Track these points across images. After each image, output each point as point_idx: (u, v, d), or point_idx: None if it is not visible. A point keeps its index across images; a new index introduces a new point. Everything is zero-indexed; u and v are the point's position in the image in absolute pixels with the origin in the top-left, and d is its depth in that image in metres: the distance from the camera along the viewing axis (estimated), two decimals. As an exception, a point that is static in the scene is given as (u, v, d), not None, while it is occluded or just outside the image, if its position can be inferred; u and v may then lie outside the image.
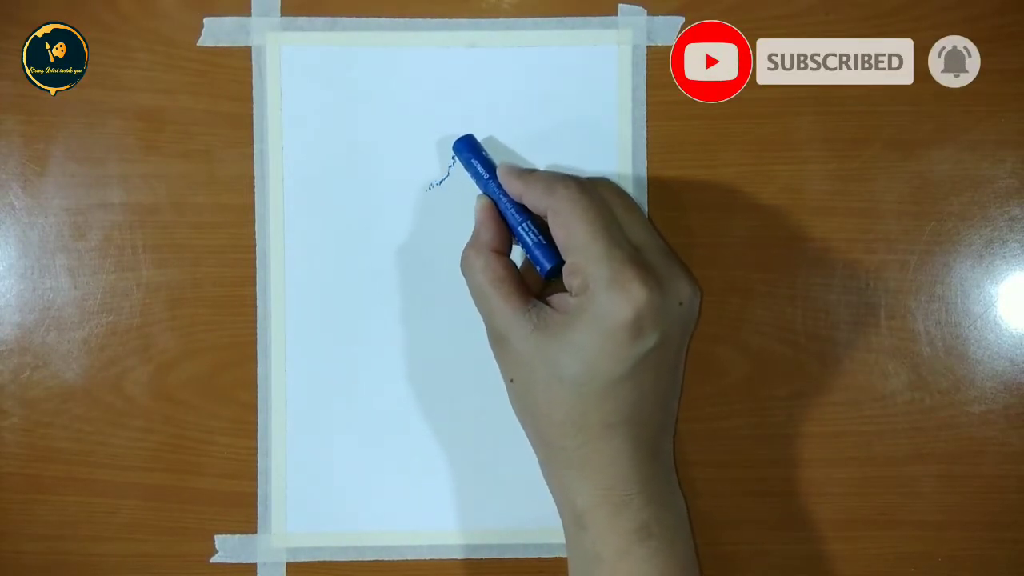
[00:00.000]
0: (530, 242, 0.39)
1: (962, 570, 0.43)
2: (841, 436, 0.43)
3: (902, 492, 0.43)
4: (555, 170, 0.42)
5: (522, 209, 0.39)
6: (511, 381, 0.38)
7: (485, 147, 0.42)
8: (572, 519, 0.37)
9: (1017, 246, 0.43)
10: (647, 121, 0.43)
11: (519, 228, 0.39)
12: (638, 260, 0.36)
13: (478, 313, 0.39)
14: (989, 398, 0.43)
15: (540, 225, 0.39)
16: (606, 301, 0.35)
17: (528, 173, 0.39)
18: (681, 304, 0.37)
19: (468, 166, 0.41)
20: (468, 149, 0.41)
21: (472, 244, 0.39)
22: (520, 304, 0.37)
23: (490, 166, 0.41)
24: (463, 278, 0.39)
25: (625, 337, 0.35)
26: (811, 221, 0.43)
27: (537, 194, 0.38)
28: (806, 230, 0.43)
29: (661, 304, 0.35)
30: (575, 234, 0.36)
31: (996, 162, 0.43)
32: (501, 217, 0.40)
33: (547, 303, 0.38)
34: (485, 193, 0.40)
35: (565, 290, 0.38)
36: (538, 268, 0.39)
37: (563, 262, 0.37)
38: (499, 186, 0.40)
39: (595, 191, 0.38)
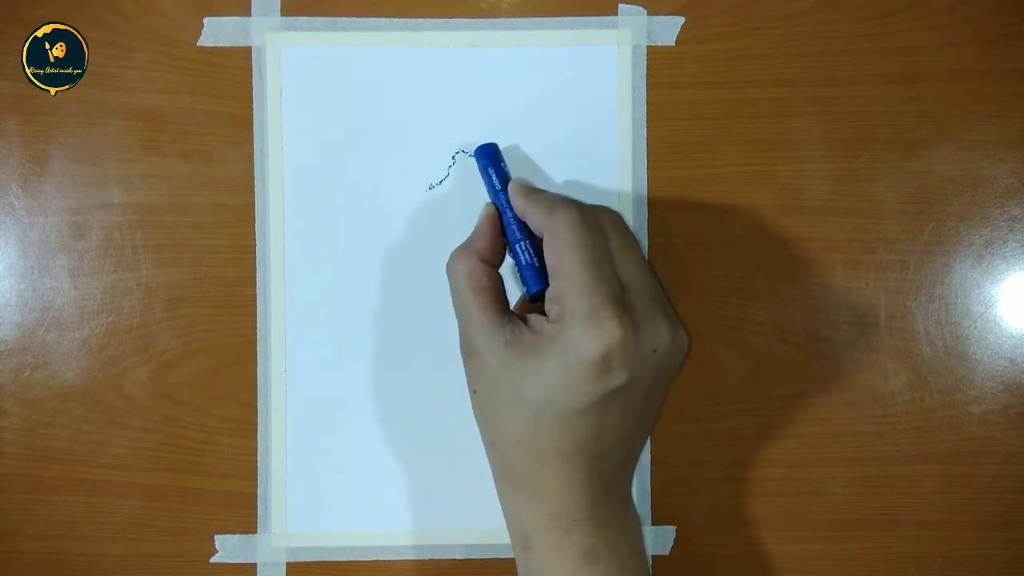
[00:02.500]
0: (523, 261, 0.38)
1: (962, 570, 0.43)
2: (841, 436, 0.43)
3: (902, 492, 0.43)
4: (561, 170, 0.42)
5: (524, 227, 0.39)
6: (474, 392, 0.38)
7: (509, 157, 0.41)
8: (519, 539, 0.37)
9: (1017, 246, 0.43)
10: (647, 121, 0.43)
11: (516, 246, 0.39)
12: (619, 299, 0.35)
13: None
14: (989, 398, 0.43)
15: (538, 247, 0.39)
16: (578, 334, 0.34)
17: (535, 192, 0.39)
18: (655, 351, 0.36)
19: (483, 174, 0.41)
20: (487, 157, 0.41)
21: (463, 247, 0.39)
22: (496, 317, 0.37)
23: (504, 178, 0.40)
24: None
25: (590, 373, 0.34)
26: (811, 221, 0.43)
27: (537, 214, 0.37)
28: (806, 230, 0.43)
29: (634, 347, 0.35)
30: (564, 261, 0.35)
31: (996, 162, 0.43)
32: (501, 230, 0.39)
33: (525, 322, 0.37)
34: (493, 203, 0.40)
35: (546, 313, 0.37)
36: (525, 289, 0.39)
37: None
38: (508, 200, 0.39)
39: (596, 221, 0.37)
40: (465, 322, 0.38)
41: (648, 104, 0.43)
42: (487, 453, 0.38)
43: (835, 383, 0.43)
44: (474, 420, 0.42)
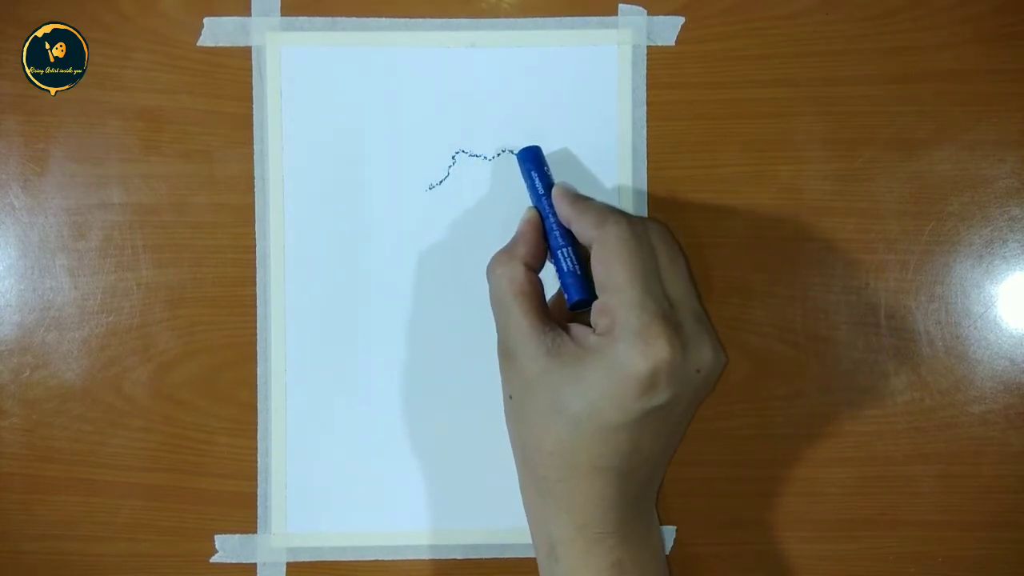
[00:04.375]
0: (565, 268, 0.38)
1: (962, 570, 0.43)
2: (841, 436, 0.43)
3: (902, 492, 0.43)
4: (561, 170, 0.42)
5: (567, 234, 0.39)
6: (510, 397, 0.38)
7: (555, 161, 0.41)
8: (546, 548, 0.37)
9: (1017, 246, 0.43)
10: (647, 121, 0.43)
11: (559, 252, 0.38)
12: (669, 317, 0.35)
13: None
14: (989, 398, 0.43)
15: (579, 255, 0.38)
16: (627, 350, 0.34)
17: (582, 200, 0.38)
18: (699, 372, 0.36)
19: (526, 177, 0.40)
20: (530, 160, 0.40)
21: (505, 251, 0.38)
22: (538, 323, 0.36)
23: (548, 182, 0.40)
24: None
25: (635, 390, 0.34)
26: (811, 221, 0.43)
27: (587, 224, 0.37)
28: (806, 230, 0.43)
29: (680, 366, 0.35)
30: (614, 274, 0.35)
31: (996, 162, 0.43)
32: (543, 235, 0.39)
33: (567, 331, 0.37)
34: (536, 207, 0.40)
35: (587, 323, 0.37)
36: (566, 296, 0.38)
37: (592, 297, 0.37)
38: (551, 205, 0.39)
39: (645, 235, 0.37)
40: (504, 326, 0.37)
41: (648, 104, 0.43)
42: (516, 459, 0.38)
43: (835, 383, 0.43)
44: (476, 421, 0.42)
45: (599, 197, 0.43)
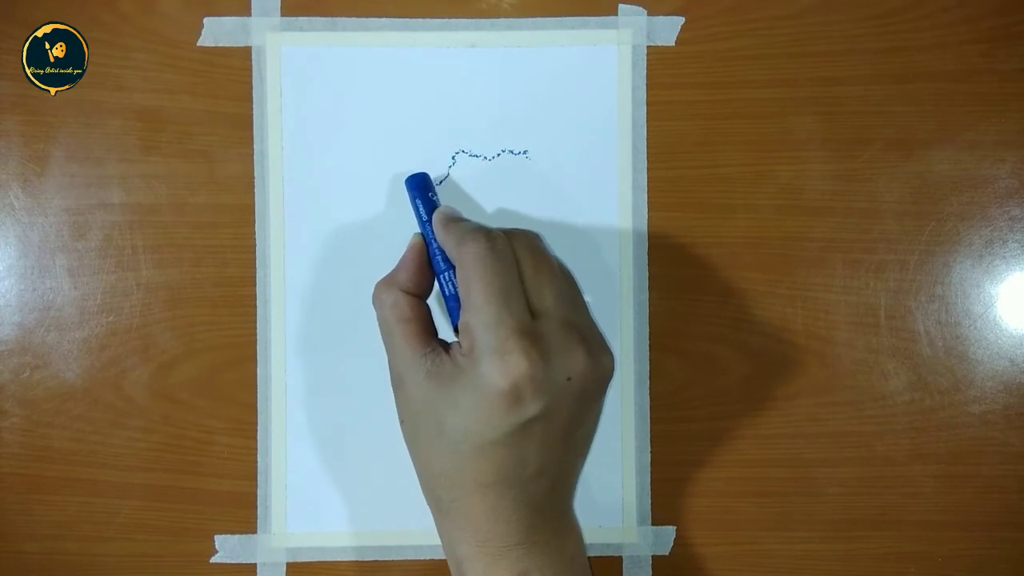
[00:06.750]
0: (447, 293, 0.38)
1: (962, 570, 0.43)
2: (841, 436, 0.43)
3: (902, 492, 0.43)
4: (560, 171, 0.42)
5: (448, 258, 0.38)
6: (402, 423, 0.38)
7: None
8: (454, 566, 0.37)
9: (1017, 246, 0.43)
10: (647, 121, 0.43)
11: (440, 277, 0.38)
12: (527, 330, 0.35)
13: None
14: (989, 398, 0.43)
15: None
16: (486, 367, 0.34)
17: (453, 222, 0.38)
18: (570, 379, 0.35)
19: (412, 204, 0.40)
20: (416, 187, 0.40)
21: (386, 279, 0.38)
22: (419, 348, 0.37)
23: (432, 208, 0.40)
24: None
25: (501, 405, 0.34)
26: (811, 221, 0.43)
27: (450, 245, 0.37)
28: (806, 230, 0.43)
29: (544, 377, 0.34)
30: (472, 293, 0.35)
31: (996, 162, 0.43)
32: (428, 260, 0.39)
33: (447, 351, 0.37)
34: (422, 234, 0.40)
35: None
36: (450, 320, 0.38)
37: None
38: (434, 230, 0.39)
39: (507, 249, 0.36)
40: (391, 353, 0.38)
41: (648, 104, 0.43)
42: (419, 482, 0.38)
43: (835, 383, 0.43)
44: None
45: (598, 196, 0.43)
